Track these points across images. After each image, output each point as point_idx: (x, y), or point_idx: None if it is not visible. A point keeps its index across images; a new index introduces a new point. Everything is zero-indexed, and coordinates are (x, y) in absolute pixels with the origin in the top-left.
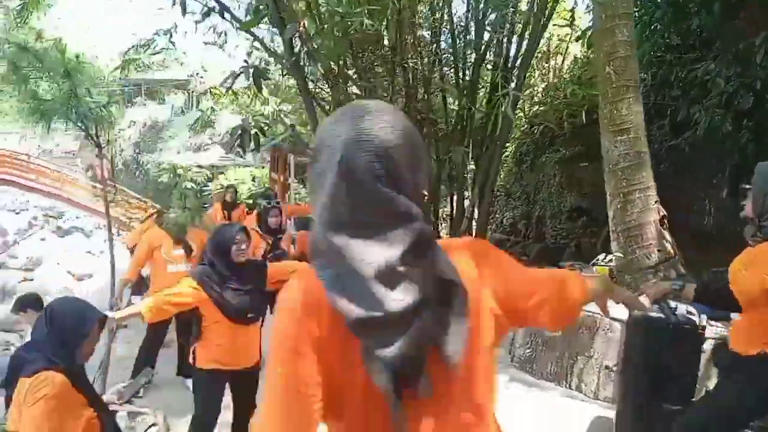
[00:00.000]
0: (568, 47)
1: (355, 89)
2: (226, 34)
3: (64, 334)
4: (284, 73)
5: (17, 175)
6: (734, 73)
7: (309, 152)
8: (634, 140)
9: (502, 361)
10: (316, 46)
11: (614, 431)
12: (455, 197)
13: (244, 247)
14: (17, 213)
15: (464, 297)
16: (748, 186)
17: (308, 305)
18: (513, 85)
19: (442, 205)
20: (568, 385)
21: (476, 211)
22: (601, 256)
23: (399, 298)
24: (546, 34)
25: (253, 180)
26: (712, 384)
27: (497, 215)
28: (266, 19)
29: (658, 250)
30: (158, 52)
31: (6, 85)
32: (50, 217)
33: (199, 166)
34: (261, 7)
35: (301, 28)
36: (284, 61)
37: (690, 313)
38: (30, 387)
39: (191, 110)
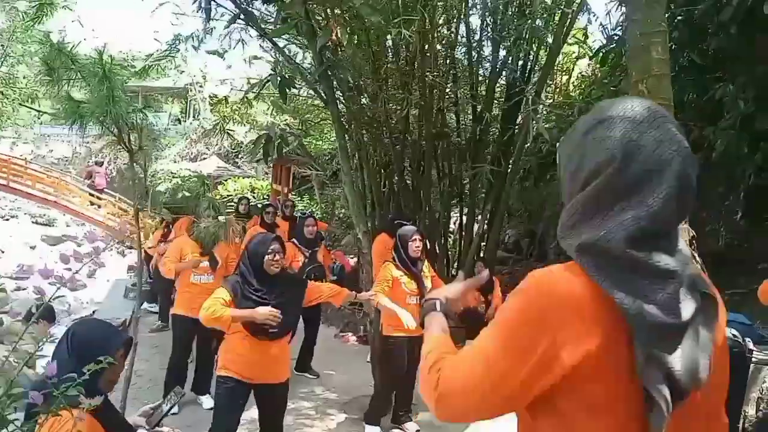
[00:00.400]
0: (574, 65)
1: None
2: (244, 43)
3: (86, 361)
4: (310, 83)
5: (13, 180)
6: (753, 96)
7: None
8: None
9: None
10: (343, 57)
11: None
12: (466, 214)
13: (278, 257)
14: (6, 219)
15: (716, 309)
16: None
17: (576, 304)
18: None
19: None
20: None
21: (486, 228)
22: None
23: (689, 307)
24: None
25: (253, 191)
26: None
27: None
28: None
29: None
30: (167, 57)
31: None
32: (41, 224)
33: (197, 176)
34: (290, 15)
35: (333, 37)
36: (312, 71)
37: (735, 336)
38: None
39: (189, 119)
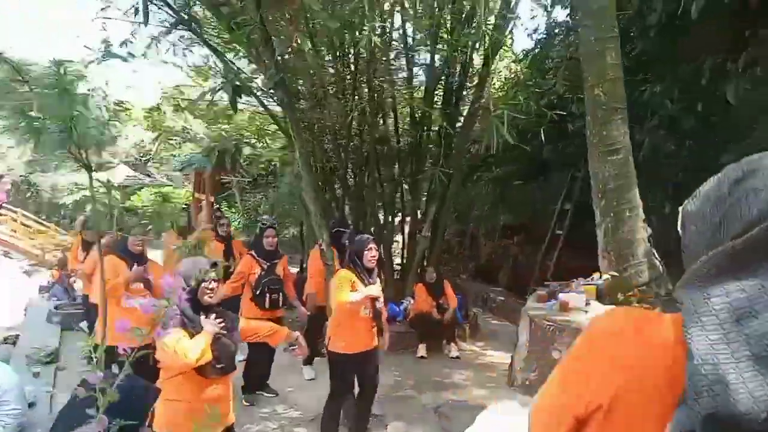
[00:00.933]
0: (496, 68)
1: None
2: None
3: None
4: (265, 90)
5: None
6: (677, 96)
7: None
8: (624, 161)
9: (500, 385)
10: (300, 63)
11: None
12: (409, 218)
13: (213, 286)
14: None
15: None
16: None
17: (664, 364)
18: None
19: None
20: None
21: (430, 231)
22: (596, 275)
23: None
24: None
25: (166, 201)
26: None
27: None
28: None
29: (649, 268)
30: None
31: None
32: None
33: (107, 187)
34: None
35: (294, 44)
36: (267, 78)
37: None
38: None
39: None
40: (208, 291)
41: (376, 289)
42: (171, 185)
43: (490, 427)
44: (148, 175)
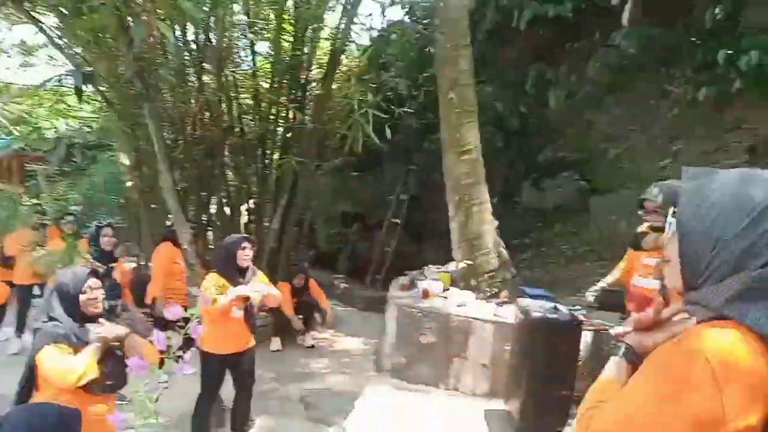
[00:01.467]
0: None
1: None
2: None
3: None
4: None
5: None
6: (505, 97)
7: None
8: (475, 161)
9: (358, 370)
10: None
11: (517, 421)
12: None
13: (96, 295)
14: None
15: None
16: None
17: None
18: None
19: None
20: (446, 386)
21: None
22: (449, 266)
23: None
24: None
25: None
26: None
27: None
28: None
29: (497, 256)
30: None
31: None
32: None
33: None
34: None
35: (155, 32)
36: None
37: (557, 309)
38: None
39: None
40: (92, 301)
41: (244, 288)
42: None
43: (373, 410)
44: None
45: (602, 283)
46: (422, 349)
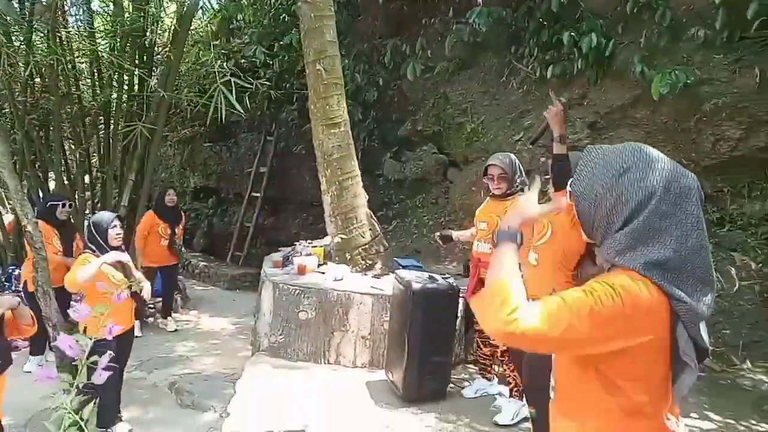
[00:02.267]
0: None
1: None
2: None
3: None
4: None
5: None
6: (362, 69)
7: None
8: (344, 133)
9: (227, 350)
10: None
11: (400, 388)
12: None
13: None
14: None
15: None
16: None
17: (649, 307)
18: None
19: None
20: (326, 361)
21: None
22: (322, 241)
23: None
24: None
25: None
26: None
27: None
28: None
29: (369, 229)
30: None
31: None
32: None
33: None
34: None
35: None
36: None
37: (438, 279)
38: None
39: None
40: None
41: (113, 255)
42: None
43: (255, 390)
44: None
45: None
46: (301, 325)
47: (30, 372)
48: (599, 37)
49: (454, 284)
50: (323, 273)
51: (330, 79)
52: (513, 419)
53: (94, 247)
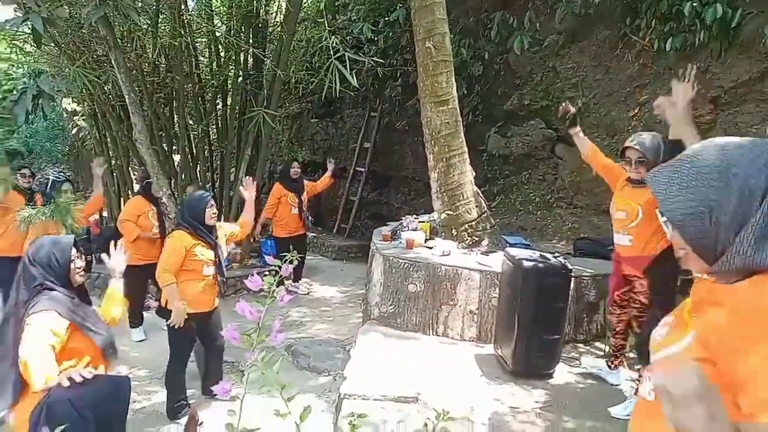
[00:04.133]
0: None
1: None
2: None
3: None
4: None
5: None
6: (468, 44)
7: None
8: (453, 110)
9: (337, 317)
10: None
11: (510, 363)
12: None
13: (81, 265)
14: None
15: None
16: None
17: None
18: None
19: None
20: (434, 333)
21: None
22: (428, 216)
23: None
24: None
25: None
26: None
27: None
28: None
29: (476, 207)
30: None
31: None
32: None
33: None
34: None
35: None
36: (89, 13)
37: (548, 259)
38: None
39: None
40: (78, 270)
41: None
42: None
43: (369, 357)
44: None
45: None
46: (410, 297)
47: (143, 340)
48: (725, 6)
49: (566, 264)
50: (431, 248)
51: (439, 57)
52: (628, 414)
53: (187, 225)
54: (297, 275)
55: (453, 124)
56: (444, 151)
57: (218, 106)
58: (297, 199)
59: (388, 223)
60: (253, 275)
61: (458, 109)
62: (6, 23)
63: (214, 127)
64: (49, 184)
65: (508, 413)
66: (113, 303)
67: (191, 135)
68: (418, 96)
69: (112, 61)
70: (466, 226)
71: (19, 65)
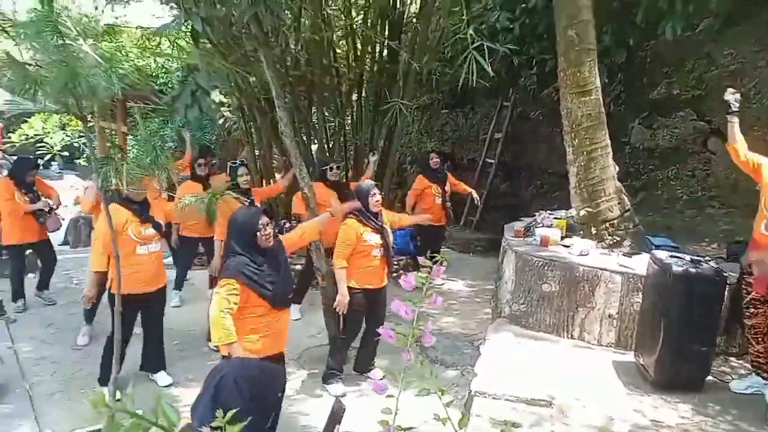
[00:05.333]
0: None
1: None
2: None
3: None
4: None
5: None
6: (610, 29)
7: None
8: (596, 101)
9: (467, 312)
10: None
11: (652, 373)
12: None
13: (269, 231)
14: None
15: None
16: None
17: None
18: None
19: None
20: (569, 335)
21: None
22: (564, 212)
23: None
24: None
25: (64, 129)
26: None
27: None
28: None
29: (618, 204)
30: None
31: None
32: None
33: None
34: None
35: None
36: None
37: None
38: None
39: None
40: (266, 236)
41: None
42: (64, 112)
43: (501, 355)
44: (32, 100)
45: None
46: (544, 297)
47: (299, 318)
48: None
49: (720, 270)
50: (567, 246)
51: (582, 45)
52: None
53: (357, 212)
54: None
55: (595, 115)
56: (585, 144)
57: (353, 99)
58: (440, 189)
59: (521, 217)
60: (405, 275)
61: (601, 99)
62: (169, 24)
63: (348, 118)
64: (228, 170)
65: (650, 427)
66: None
67: (327, 127)
68: (556, 85)
69: (261, 57)
70: (607, 224)
71: (174, 60)
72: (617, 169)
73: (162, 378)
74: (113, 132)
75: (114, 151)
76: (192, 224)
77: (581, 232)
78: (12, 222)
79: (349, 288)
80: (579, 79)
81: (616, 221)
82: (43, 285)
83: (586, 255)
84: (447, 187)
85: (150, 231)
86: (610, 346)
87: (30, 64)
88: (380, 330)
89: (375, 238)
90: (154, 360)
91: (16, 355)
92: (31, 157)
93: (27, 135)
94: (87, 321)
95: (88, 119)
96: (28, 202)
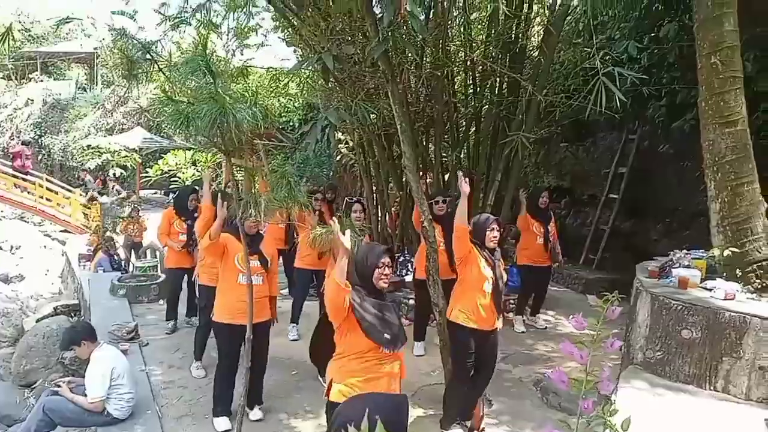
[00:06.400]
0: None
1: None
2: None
3: None
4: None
5: None
6: (753, 57)
7: None
8: (741, 132)
9: (604, 359)
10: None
11: None
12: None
13: (388, 272)
14: None
15: None
16: None
17: None
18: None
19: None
20: (712, 387)
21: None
22: (704, 252)
23: None
24: None
25: (195, 164)
26: None
27: (479, 198)
28: None
29: (767, 243)
30: (67, 21)
31: None
32: None
33: (126, 149)
34: None
35: (403, 11)
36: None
37: None
38: None
39: (96, 86)
40: (383, 276)
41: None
42: (195, 149)
43: (633, 405)
44: (167, 137)
45: None
46: (683, 344)
47: (422, 355)
48: None
49: None
50: (710, 289)
51: (727, 73)
52: None
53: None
54: (535, 308)
55: (741, 147)
56: (729, 179)
57: (471, 132)
58: (542, 228)
59: (654, 257)
60: (573, 316)
61: (748, 130)
62: (301, 63)
63: (464, 152)
64: (345, 205)
65: None
66: None
67: (443, 162)
68: (688, 117)
69: (389, 94)
70: (755, 266)
71: (297, 99)
72: (766, 205)
73: (253, 413)
74: (240, 168)
75: (255, 185)
76: (305, 256)
77: (724, 274)
78: (170, 248)
79: (455, 325)
80: (723, 109)
81: (765, 263)
82: (191, 312)
83: (732, 299)
84: (551, 227)
85: (255, 263)
86: (761, 402)
87: (183, 102)
88: (551, 373)
89: (487, 271)
90: (251, 394)
91: (147, 378)
92: (188, 185)
93: (162, 170)
94: (196, 357)
95: (232, 154)
96: (184, 231)
